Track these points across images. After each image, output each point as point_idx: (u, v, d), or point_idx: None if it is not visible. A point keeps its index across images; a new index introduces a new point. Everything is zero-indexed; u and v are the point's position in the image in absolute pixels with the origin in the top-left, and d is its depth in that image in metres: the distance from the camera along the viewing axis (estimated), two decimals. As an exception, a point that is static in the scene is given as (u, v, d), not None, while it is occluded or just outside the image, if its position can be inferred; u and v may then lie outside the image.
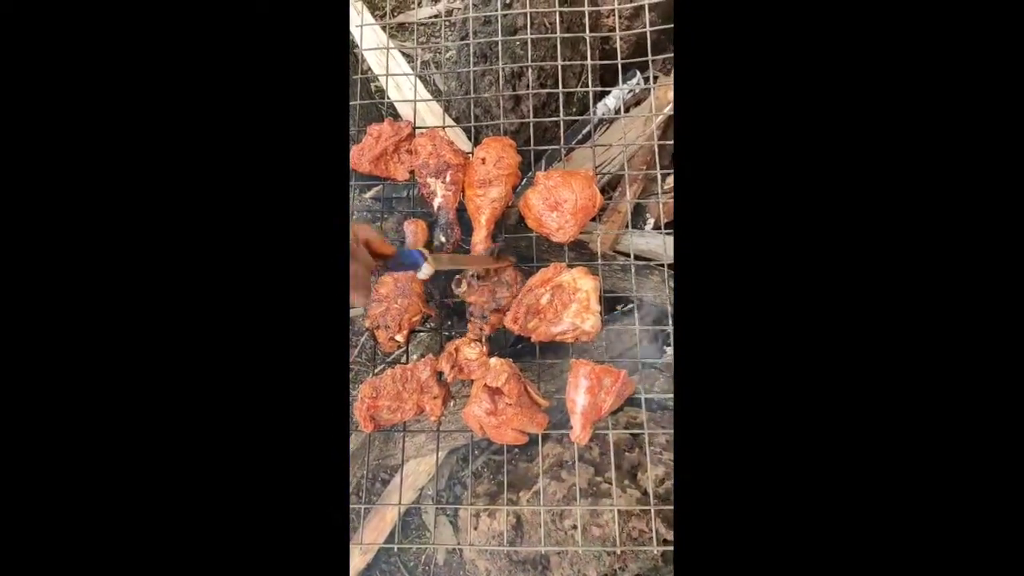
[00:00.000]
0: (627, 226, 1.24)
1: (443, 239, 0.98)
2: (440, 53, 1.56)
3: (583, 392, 0.88)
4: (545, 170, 1.08)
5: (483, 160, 0.98)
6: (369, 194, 1.26)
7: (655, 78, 1.22)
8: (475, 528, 1.00)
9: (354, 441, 1.18)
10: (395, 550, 1.20)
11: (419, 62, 1.56)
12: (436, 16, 1.56)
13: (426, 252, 0.75)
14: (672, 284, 0.98)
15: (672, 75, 1.25)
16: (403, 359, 1.03)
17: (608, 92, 1.24)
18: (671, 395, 0.94)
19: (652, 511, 0.85)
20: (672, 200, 1.10)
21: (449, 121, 1.25)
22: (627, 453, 1.01)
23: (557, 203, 0.97)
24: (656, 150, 1.10)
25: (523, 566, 0.96)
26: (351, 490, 1.23)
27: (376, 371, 1.02)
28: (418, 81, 1.26)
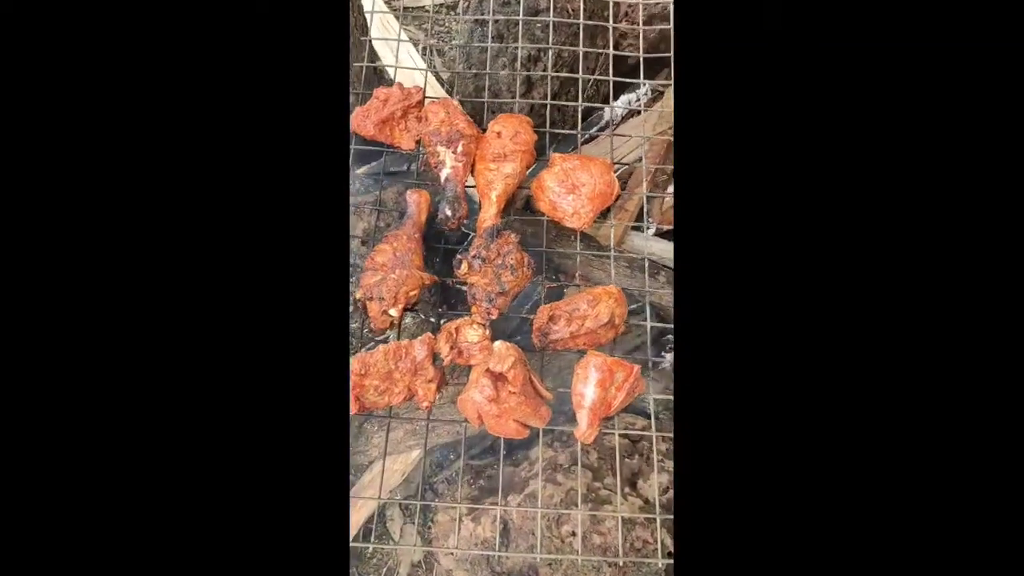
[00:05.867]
0: (642, 217, 1.20)
1: (449, 213, 0.90)
2: (443, 40, 1.51)
3: (593, 385, 0.81)
4: (557, 158, 1.03)
5: (499, 133, 0.92)
6: (362, 170, 1.17)
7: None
8: (455, 533, 0.90)
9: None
10: (370, 550, 1.08)
11: (421, 48, 1.50)
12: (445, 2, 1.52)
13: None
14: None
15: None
16: (390, 340, 0.93)
17: (628, 85, 1.21)
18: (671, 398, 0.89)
19: (658, 520, 0.78)
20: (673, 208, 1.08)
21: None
22: (627, 459, 0.94)
23: (575, 186, 0.91)
24: (670, 147, 1.07)
25: (508, 578, 0.87)
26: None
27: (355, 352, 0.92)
28: (423, 54, 1.21)
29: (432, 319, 1.07)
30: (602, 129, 1.18)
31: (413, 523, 1.15)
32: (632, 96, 1.39)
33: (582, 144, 1.13)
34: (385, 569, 1.15)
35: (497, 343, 0.82)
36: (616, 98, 1.20)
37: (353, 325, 1.20)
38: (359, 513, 1.05)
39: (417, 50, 1.39)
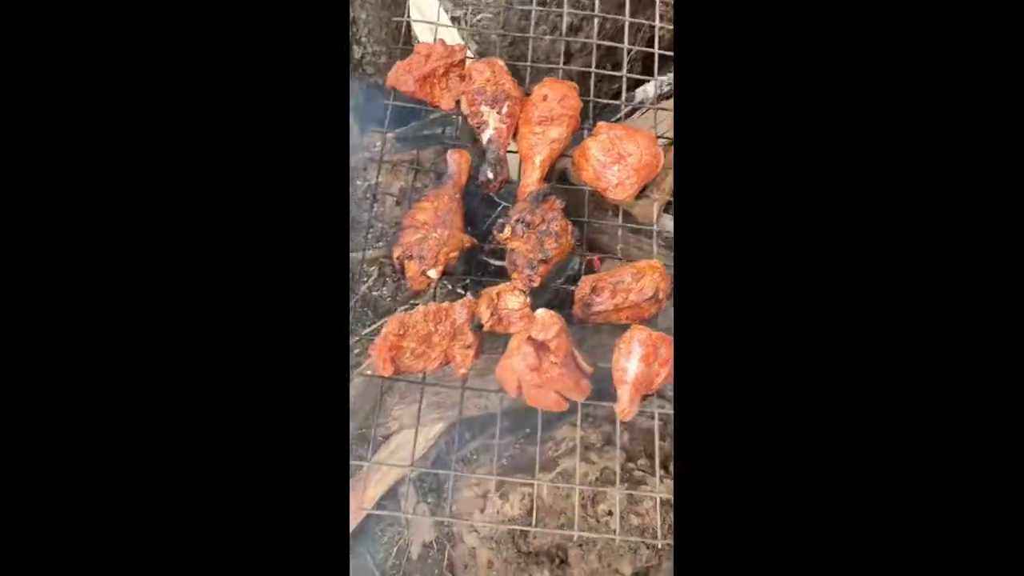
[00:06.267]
0: (671, 196, 1.17)
1: (491, 175, 0.87)
2: (473, 11, 1.46)
3: (636, 360, 0.78)
4: (596, 130, 0.99)
5: (545, 97, 0.89)
6: (394, 133, 1.13)
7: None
8: (481, 511, 0.87)
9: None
10: (389, 522, 1.04)
11: (450, 16, 1.45)
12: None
13: None
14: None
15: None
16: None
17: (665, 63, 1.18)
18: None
19: (697, 502, 0.75)
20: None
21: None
22: (660, 442, 0.91)
23: (621, 156, 0.88)
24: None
25: (535, 558, 0.83)
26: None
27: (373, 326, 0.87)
28: (454, 24, 1.16)
29: (460, 290, 1.03)
30: (640, 104, 1.15)
31: (427, 502, 1.11)
32: (665, 79, 1.37)
33: (627, 116, 1.10)
34: (396, 548, 1.11)
35: (540, 311, 0.78)
36: (660, 72, 1.17)
37: (374, 293, 1.16)
38: (375, 488, 1.01)
39: (447, 17, 1.35)
